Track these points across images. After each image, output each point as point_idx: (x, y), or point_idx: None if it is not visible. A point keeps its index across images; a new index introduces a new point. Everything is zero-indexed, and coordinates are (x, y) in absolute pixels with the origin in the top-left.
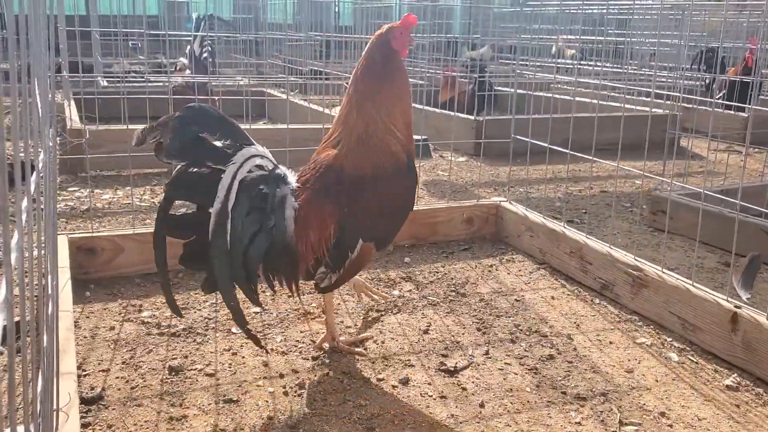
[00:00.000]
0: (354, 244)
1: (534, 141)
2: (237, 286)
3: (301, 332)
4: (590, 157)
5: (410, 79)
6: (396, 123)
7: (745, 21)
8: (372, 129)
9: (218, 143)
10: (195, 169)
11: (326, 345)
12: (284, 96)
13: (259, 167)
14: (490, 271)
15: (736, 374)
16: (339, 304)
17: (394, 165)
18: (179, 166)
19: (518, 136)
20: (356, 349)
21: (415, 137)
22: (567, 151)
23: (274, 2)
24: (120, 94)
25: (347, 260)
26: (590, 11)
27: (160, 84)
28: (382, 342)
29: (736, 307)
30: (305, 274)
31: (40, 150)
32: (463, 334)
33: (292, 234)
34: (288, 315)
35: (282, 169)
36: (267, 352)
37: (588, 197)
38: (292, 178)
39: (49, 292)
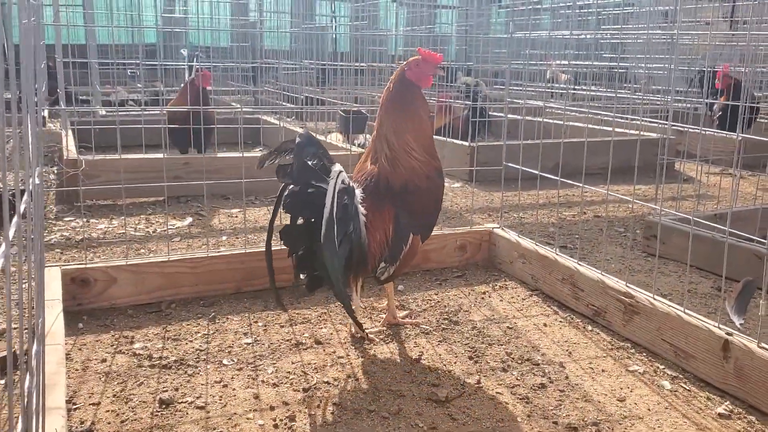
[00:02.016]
0: (407, 238)
1: (525, 168)
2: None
3: (293, 363)
4: (580, 184)
5: None
6: (410, 145)
7: (736, 44)
8: (393, 153)
9: (316, 162)
10: (306, 188)
11: (387, 323)
12: (280, 123)
13: (342, 182)
14: (483, 298)
15: (728, 402)
16: (332, 334)
17: (424, 176)
18: (292, 187)
19: (509, 163)
20: (415, 320)
21: None
22: (557, 178)
23: (271, 31)
24: (115, 123)
25: (402, 252)
26: (583, 36)
27: (157, 112)
28: (374, 372)
29: (727, 334)
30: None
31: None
32: (455, 362)
33: (365, 238)
34: (280, 345)
35: (353, 183)
36: (369, 337)
37: (581, 222)
38: (359, 190)
39: (37, 331)
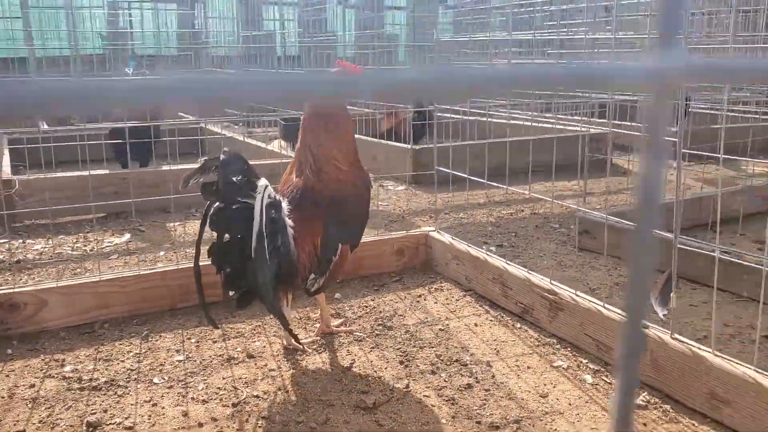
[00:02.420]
0: (336, 248)
1: (455, 172)
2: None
3: (224, 378)
4: (504, 186)
5: (352, 109)
6: (335, 156)
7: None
8: (318, 164)
9: (240, 178)
10: (231, 204)
11: (321, 333)
12: (224, 132)
13: (269, 196)
14: (418, 301)
15: (646, 393)
16: (264, 347)
17: (350, 186)
18: (218, 204)
19: (441, 167)
20: (349, 328)
21: None
22: (483, 180)
23: (218, 41)
24: (51, 141)
25: (332, 263)
26: (523, 36)
27: (100, 126)
28: (305, 383)
29: (643, 326)
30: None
31: None
32: (385, 368)
33: (294, 250)
34: (212, 361)
35: (279, 196)
36: (303, 349)
37: (518, 220)
38: (285, 203)
39: None
